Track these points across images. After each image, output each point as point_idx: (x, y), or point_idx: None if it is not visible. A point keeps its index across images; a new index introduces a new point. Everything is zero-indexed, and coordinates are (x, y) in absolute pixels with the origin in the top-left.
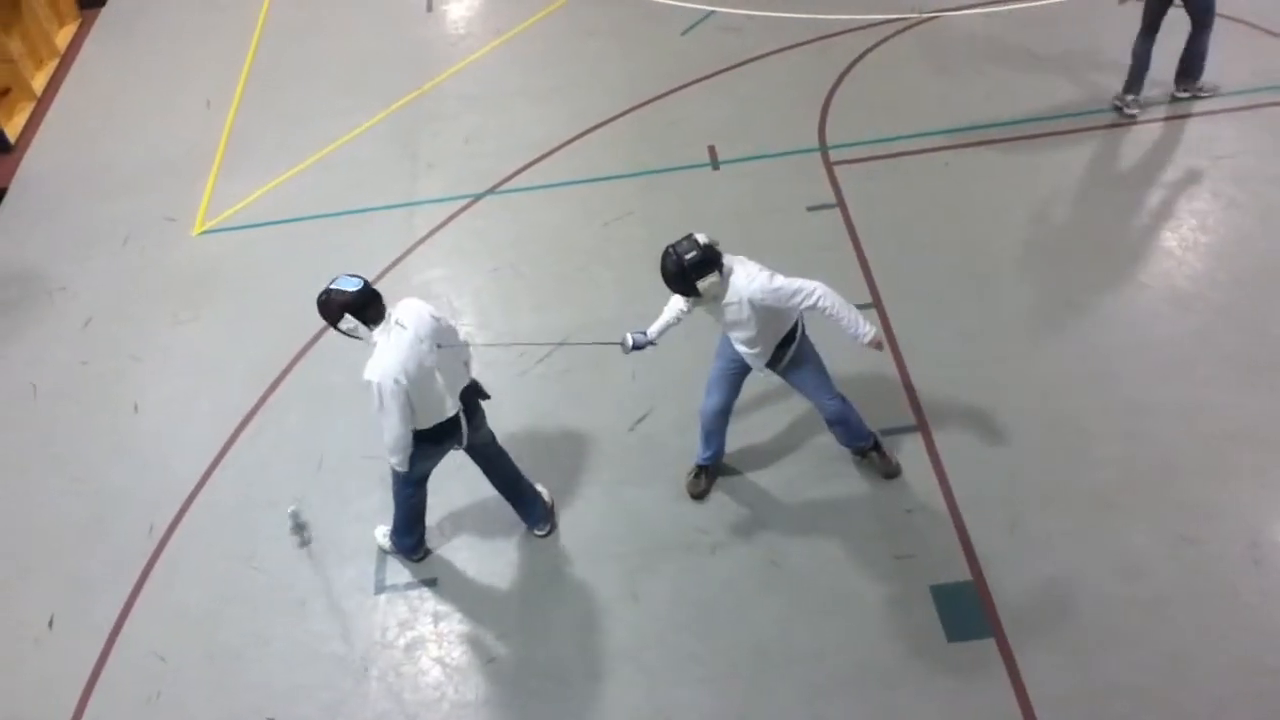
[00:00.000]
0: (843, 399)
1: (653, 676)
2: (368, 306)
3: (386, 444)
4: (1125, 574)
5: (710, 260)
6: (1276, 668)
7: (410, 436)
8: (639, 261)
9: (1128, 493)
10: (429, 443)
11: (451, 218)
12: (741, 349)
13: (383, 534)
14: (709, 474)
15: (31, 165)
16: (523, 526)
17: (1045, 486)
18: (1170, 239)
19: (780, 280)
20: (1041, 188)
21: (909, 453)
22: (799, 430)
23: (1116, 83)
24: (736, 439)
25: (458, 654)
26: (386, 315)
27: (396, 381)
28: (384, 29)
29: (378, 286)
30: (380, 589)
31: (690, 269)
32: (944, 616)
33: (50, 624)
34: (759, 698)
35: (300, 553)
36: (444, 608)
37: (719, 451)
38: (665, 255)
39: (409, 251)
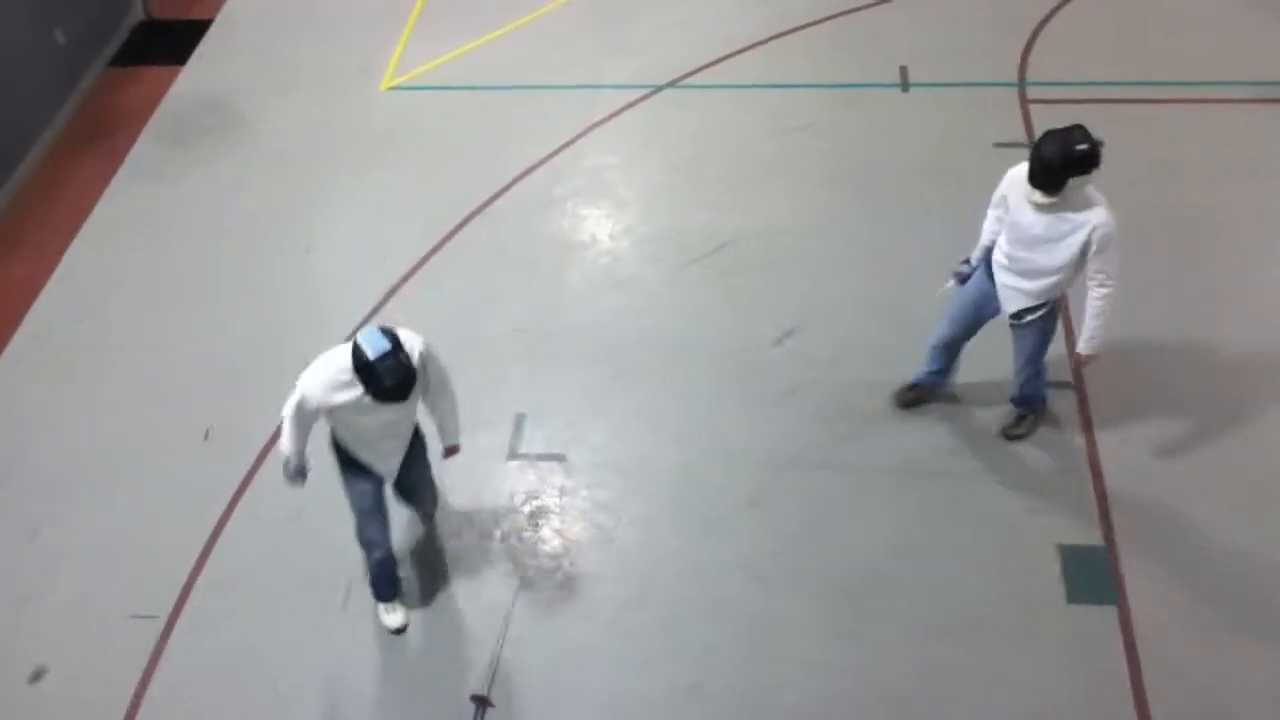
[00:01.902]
0: (1041, 374)
1: (768, 586)
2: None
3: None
4: (1274, 571)
5: (1094, 159)
6: None
7: (292, 454)
8: (814, 174)
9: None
10: (348, 467)
11: (632, 105)
12: (1010, 279)
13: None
14: (919, 391)
15: (238, 1)
16: (655, 420)
17: (1204, 465)
18: None
19: (1117, 246)
20: (1244, 157)
21: (1061, 405)
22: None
23: None
24: (892, 361)
25: (578, 529)
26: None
27: (300, 403)
28: None
29: (549, 165)
30: (512, 456)
31: (1074, 162)
32: (1068, 577)
33: (207, 436)
34: (870, 624)
35: None
36: (570, 483)
37: (937, 377)
38: (1047, 138)
39: (584, 134)
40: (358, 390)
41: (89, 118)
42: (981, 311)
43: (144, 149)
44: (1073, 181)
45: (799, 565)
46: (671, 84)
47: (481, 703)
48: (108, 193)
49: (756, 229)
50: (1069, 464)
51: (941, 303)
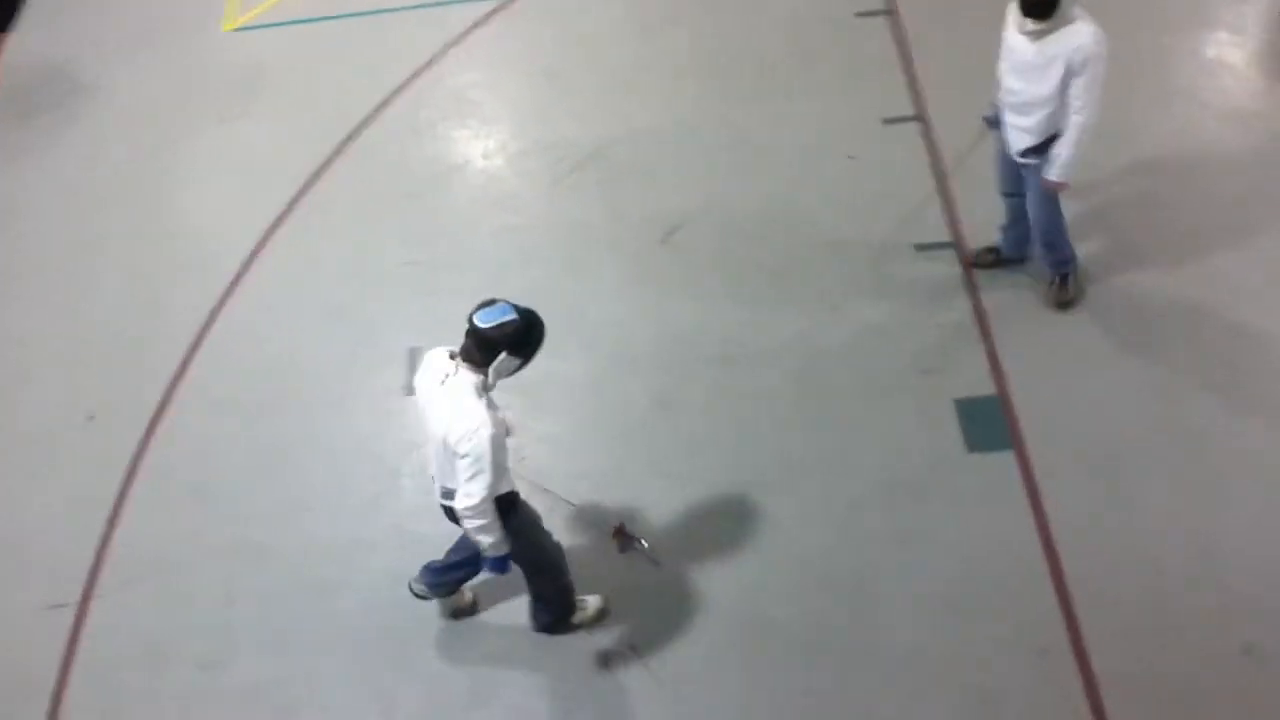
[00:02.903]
0: (1061, 227)
1: (684, 484)
2: (467, 336)
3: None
4: (1159, 399)
5: None
6: None
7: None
8: (679, 70)
9: (1168, 311)
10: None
11: (487, 17)
12: (1012, 117)
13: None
14: (999, 256)
15: None
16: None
17: (1087, 301)
18: (1236, 54)
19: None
20: None
21: (943, 264)
22: (841, 241)
23: None
24: (777, 244)
25: None
26: (456, 365)
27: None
28: None
29: (411, 89)
30: (411, 391)
31: None
32: (965, 429)
33: (91, 417)
34: (786, 506)
35: (336, 352)
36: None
37: (1015, 236)
38: None
39: (443, 52)
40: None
41: None
42: (1006, 157)
43: None
44: (1064, 1)
45: (712, 462)
46: None
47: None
48: None
49: (628, 132)
50: (957, 319)
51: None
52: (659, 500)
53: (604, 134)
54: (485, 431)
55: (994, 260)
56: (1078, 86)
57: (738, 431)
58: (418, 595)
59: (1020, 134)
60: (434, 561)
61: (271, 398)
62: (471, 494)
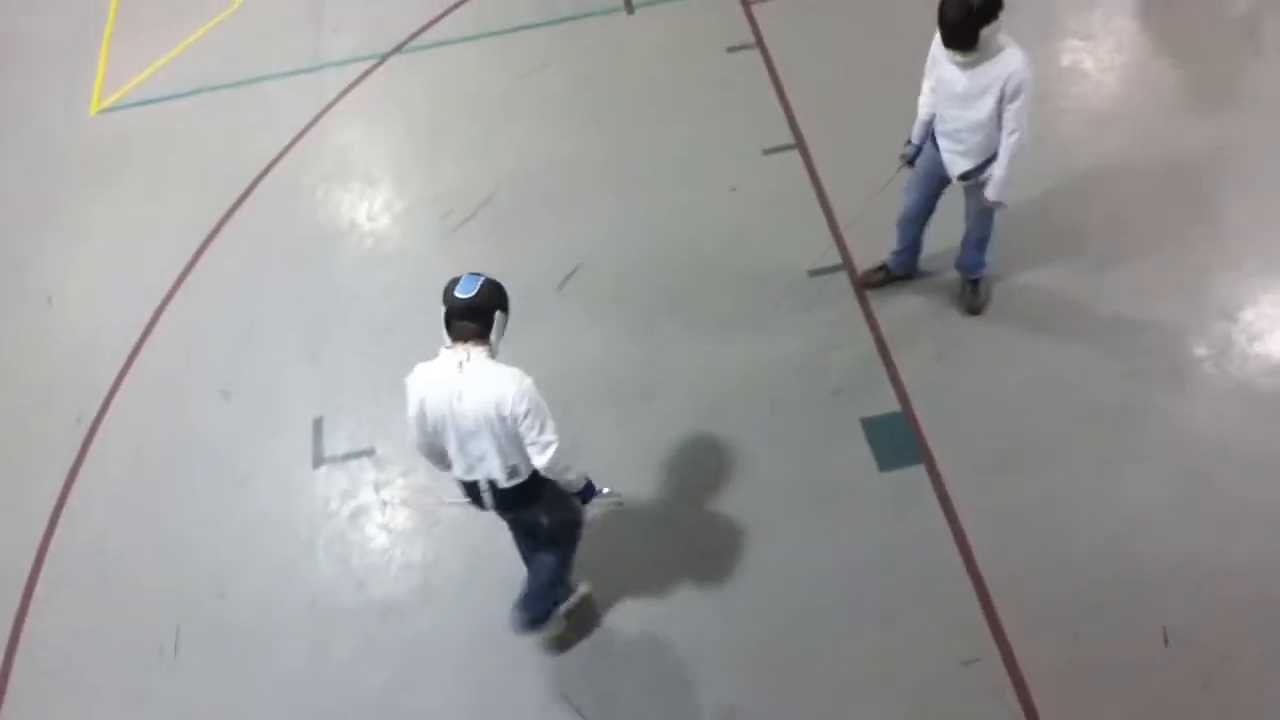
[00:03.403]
0: (989, 238)
1: (601, 523)
2: (453, 319)
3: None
4: (1053, 395)
5: (995, 6)
6: (1196, 471)
7: (420, 448)
8: (556, 111)
9: (1050, 313)
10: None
11: (361, 79)
12: (948, 143)
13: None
14: (886, 273)
15: None
16: None
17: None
18: (1088, 60)
19: (1028, 96)
20: None
21: (836, 290)
22: (732, 273)
23: None
24: (671, 271)
25: (401, 519)
26: (465, 350)
27: (411, 398)
28: None
29: (289, 157)
30: (319, 462)
31: (977, 12)
32: (875, 447)
33: None
34: (704, 529)
35: (236, 429)
36: (384, 476)
37: (906, 257)
38: (946, 1)
39: (321, 115)
40: (452, 363)
41: None
42: (932, 179)
43: None
44: (984, 32)
45: (625, 496)
46: (396, 50)
47: None
48: None
49: (512, 177)
50: (855, 339)
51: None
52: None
53: (489, 183)
54: (528, 380)
55: (883, 279)
56: (1011, 111)
57: (645, 462)
58: (533, 629)
59: (957, 158)
60: (523, 595)
61: (169, 483)
62: (550, 441)
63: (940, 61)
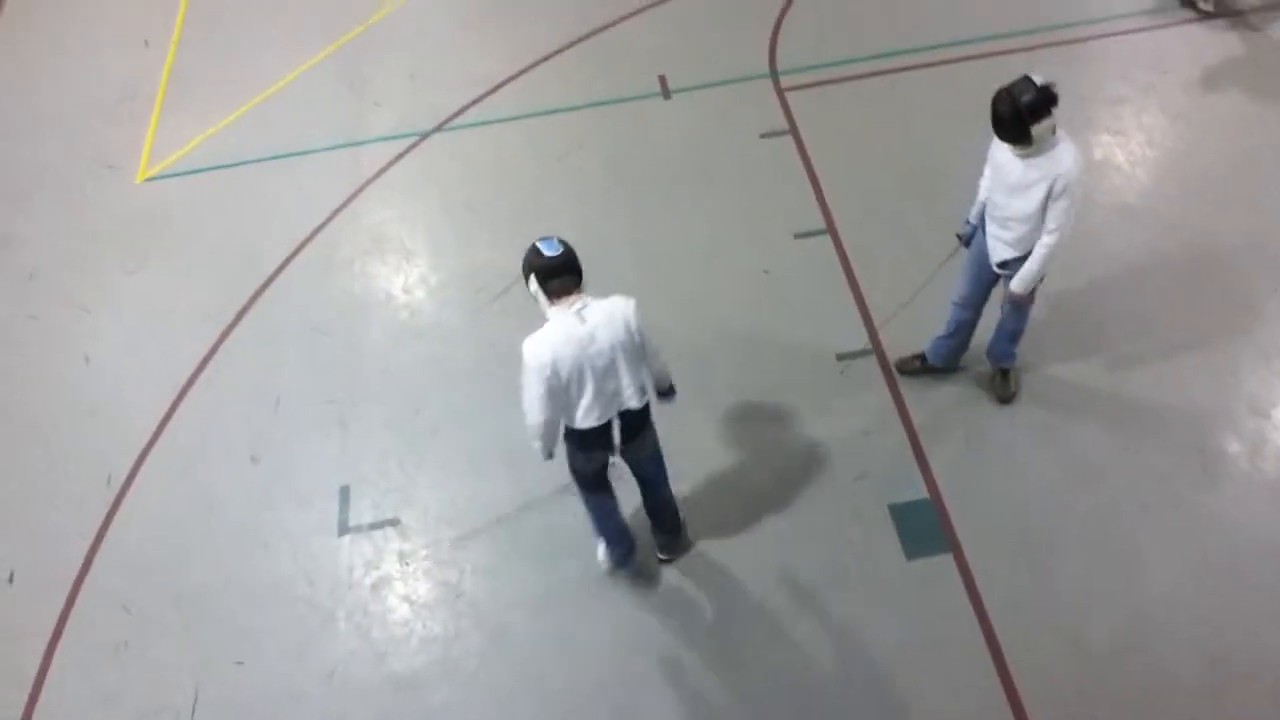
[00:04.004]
0: (1020, 332)
1: (615, 604)
2: (553, 278)
3: (526, 424)
4: (1078, 484)
5: (1048, 100)
6: (1222, 564)
7: (545, 427)
8: (590, 193)
9: (1078, 403)
10: (579, 446)
11: (400, 156)
12: (994, 229)
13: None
14: (925, 363)
15: None
16: (482, 465)
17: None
18: (1120, 155)
19: (1071, 198)
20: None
21: (865, 375)
22: (761, 354)
23: (1070, 7)
24: (694, 357)
25: (424, 591)
26: (574, 299)
27: (541, 370)
28: None
29: (328, 229)
30: (344, 530)
31: (1026, 110)
32: (903, 534)
33: (11, 579)
34: (726, 616)
35: (263, 495)
36: (408, 546)
37: (951, 345)
38: (997, 97)
39: (358, 192)
40: (571, 314)
41: None
42: (985, 266)
43: None
44: (1036, 129)
45: (644, 580)
46: (436, 129)
47: None
48: None
49: None
50: (884, 425)
51: (950, 271)
52: (589, 624)
53: (521, 260)
54: (629, 298)
55: (920, 368)
56: (1056, 208)
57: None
58: (679, 538)
59: (1001, 246)
60: (658, 517)
61: (191, 553)
62: (659, 348)
63: (999, 147)
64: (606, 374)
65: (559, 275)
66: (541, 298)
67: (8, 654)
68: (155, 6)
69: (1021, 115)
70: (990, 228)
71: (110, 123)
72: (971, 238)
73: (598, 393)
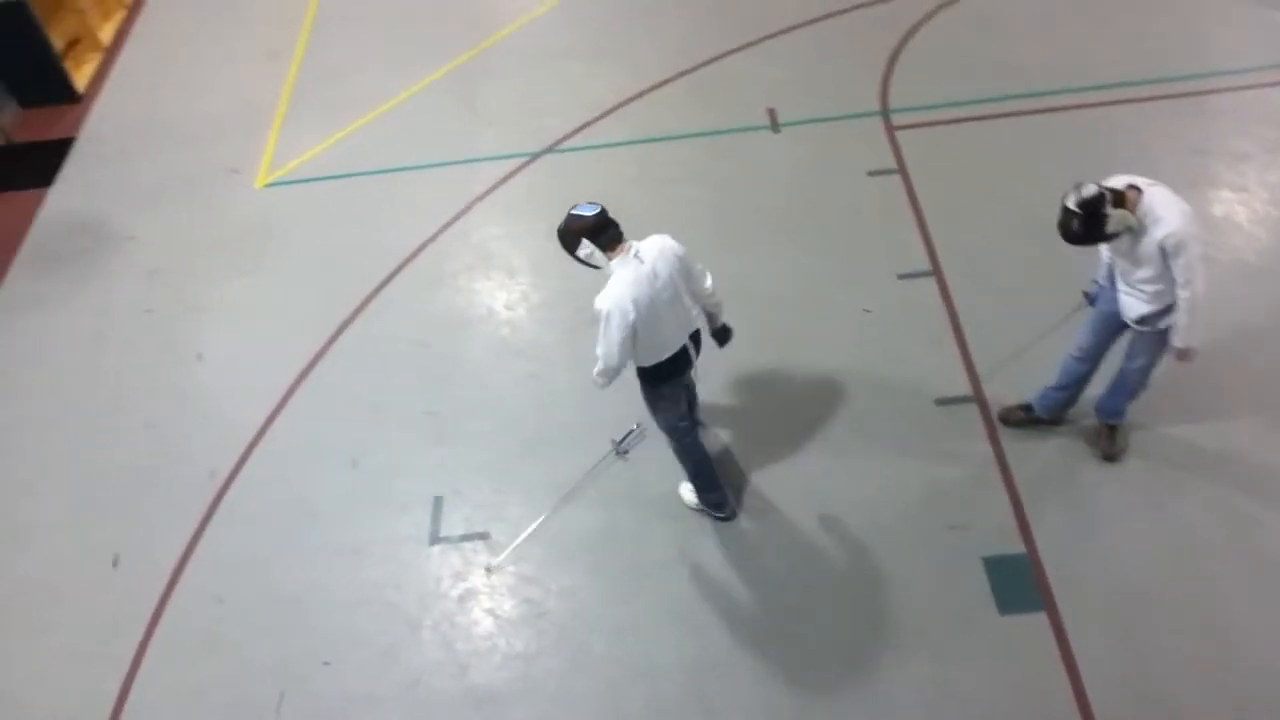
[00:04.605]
0: (1140, 387)
1: (699, 634)
2: (602, 232)
3: (597, 369)
4: (1182, 551)
5: (1101, 200)
6: None
7: (621, 368)
8: (699, 223)
9: (1188, 468)
10: (662, 382)
11: (509, 176)
12: (1124, 287)
13: (688, 490)
14: (1030, 414)
15: (99, 116)
16: (573, 488)
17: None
18: (1241, 212)
19: (1190, 252)
20: (1111, 157)
21: (965, 422)
22: (858, 394)
23: (1193, 58)
24: (788, 393)
25: (509, 606)
26: (626, 246)
27: (625, 313)
28: None
29: (436, 243)
30: (435, 540)
31: (1089, 227)
32: (996, 588)
33: (115, 563)
34: (805, 657)
35: (358, 500)
36: (496, 561)
37: (1060, 398)
38: (1061, 226)
39: (468, 209)
40: (630, 259)
41: None
42: (1111, 321)
43: (17, 279)
44: (1110, 225)
45: (726, 611)
46: (546, 150)
47: None
48: None
49: None
50: (981, 474)
51: (1072, 324)
52: (670, 651)
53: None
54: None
55: (1024, 419)
56: (1178, 266)
57: (754, 581)
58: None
59: (1135, 303)
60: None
61: (285, 551)
62: (704, 269)
63: None
64: (673, 303)
65: (606, 228)
66: (598, 255)
67: (108, 637)
68: (282, 22)
69: (1086, 225)
70: (1121, 285)
71: (235, 130)
72: (1098, 297)
73: (672, 322)
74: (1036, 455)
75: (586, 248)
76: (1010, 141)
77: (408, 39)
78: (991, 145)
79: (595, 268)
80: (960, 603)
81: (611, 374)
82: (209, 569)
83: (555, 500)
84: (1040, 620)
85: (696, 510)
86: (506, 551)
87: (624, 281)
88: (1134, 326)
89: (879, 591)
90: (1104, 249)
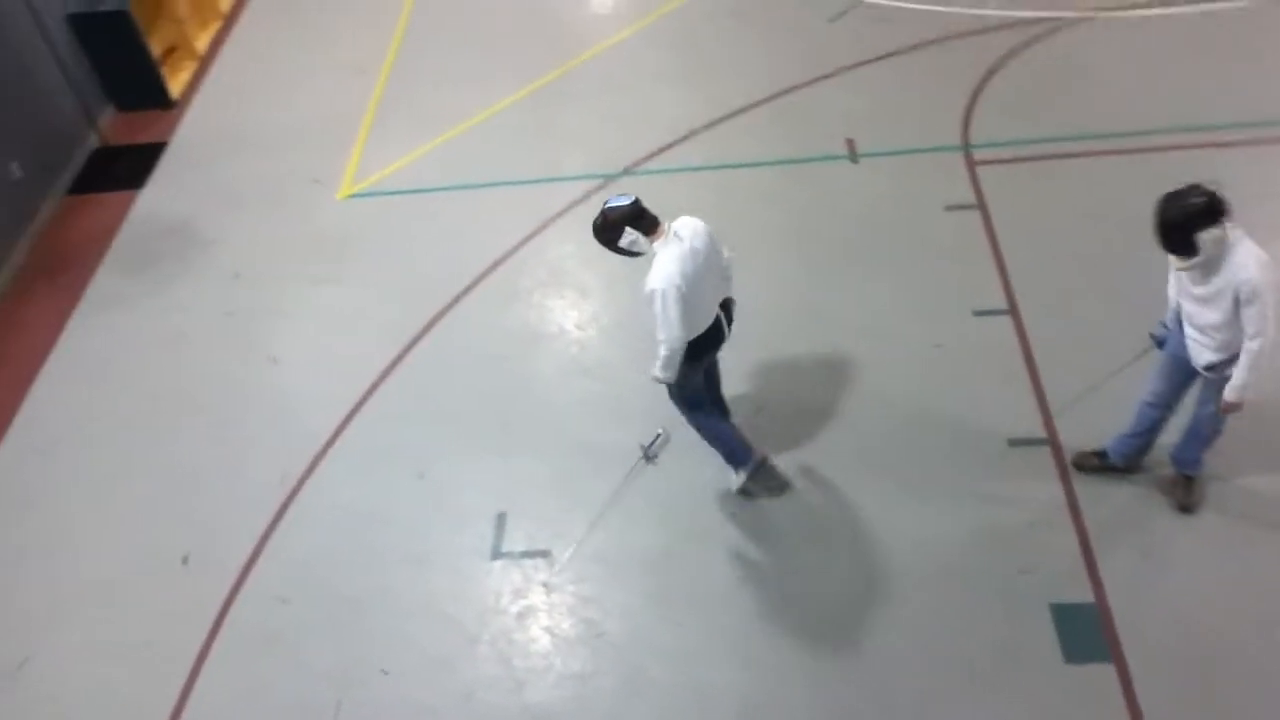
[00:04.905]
0: (1215, 435)
1: (757, 667)
2: (641, 218)
3: (664, 354)
4: (1258, 608)
5: (1216, 210)
6: None
7: (683, 349)
8: (775, 249)
9: (1267, 523)
10: (697, 358)
11: (586, 196)
12: (1192, 332)
13: (736, 477)
14: (1105, 461)
15: (191, 122)
16: (634, 507)
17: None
18: None
19: (1266, 301)
20: None
21: (1037, 465)
22: (928, 431)
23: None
24: (854, 427)
25: (567, 626)
26: (664, 228)
27: (678, 288)
28: (531, 5)
29: (512, 260)
30: (496, 555)
31: (1193, 217)
32: (1063, 636)
33: (185, 561)
34: (865, 697)
35: (424, 511)
36: (556, 579)
37: (1135, 444)
38: (1161, 203)
39: (544, 227)
40: (670, 238)
41: (46, 249)
42: (1183, 366)
43: (104, 277)
44: (1204, 237)
45: (785, 645)
46: (623, 172)
47: None
48: (70, 325)
49: None
50: (1052, 519)
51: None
52: (726, 683)
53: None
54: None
55: (1099, 465)
56: (1249, 315)
57: (813, 613)
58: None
59: (1202, 350)
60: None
61: (349, 558)
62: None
63: (1171, 269)
64: (709, 274)
65: (645, 215)
66: (641, 240)
67: (175, 632)
68: (372, 38)
69: (1188, 223)
70: (1188, 330)
71: (321, 141)
72: (1165, 340)
73: (709, 296)
74: (1109, 501)
75: (630, 235)
76: (1093, 182)
77: (492, 59)
78: (1074, 185)
79: (637, 254)
80: (1025, 649)
81: (675, 358)
82: (276, 571)
83: (613, 518)
84: (1107, 671)
85: (751, 494)
86: (563, 560)
87: (670, 259)
88: (1203, 373)
89: (942, 633)
90: (1171, 289)
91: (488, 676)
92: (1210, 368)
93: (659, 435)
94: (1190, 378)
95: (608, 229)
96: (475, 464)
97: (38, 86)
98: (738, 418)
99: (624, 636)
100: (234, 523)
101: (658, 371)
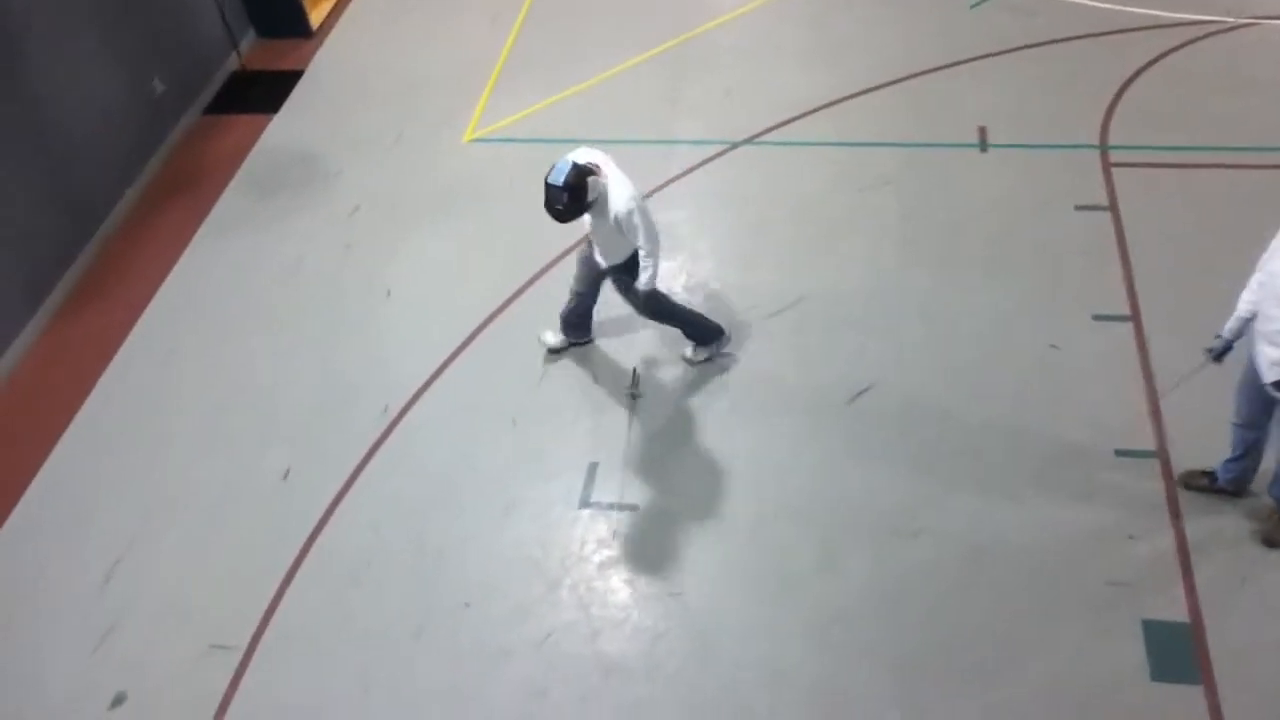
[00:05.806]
0: None
1: (833, 653)
2: (590, 171)
3: (656, 260)
4: None
5: None
6: None
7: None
8: (889, 235)
9: None
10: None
11: (705, 162)
12: (1264, 345)
13: (691, 349)
14: (1213, 482)
15: (327, 54)
16: (728, 476)
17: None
18: None
19: None
20: None
21: (1143, 478)
22: (1033, 433)
23: None
24: (964, 423)
25: (645, 581)
26: (594, 165)
27: (641, 196)
28: None
29: None
30: (584, 504)
31: None
32: (1152, 653)
33: (285, 476)
34: (941, 699)
35: (515, 457)
36: (641, 534)
37: (1239, 468)
38: None
39: (661, 188)
40: (599, 167)
41: (178, 166)
42: (1258, 384)
43: (231, 198)
44: None
45: (867, 634)
46: (746, 141)
47: None
48: (194, 242)
49: (826, 288)
50: (1152, 534)
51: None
52: (798, 663)
53: (802, 287)
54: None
55: (1207, 486)
56: None
57: (893, 607)
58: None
59: (1272, 365)
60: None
61: (440, 497)
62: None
63: (1278, 253)
64: None
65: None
66: (600, 182)
67: (271, 546)
68: None
69: None
70: (1259, 344)
71: (449, 85)
72: (1224, 353)
73: None
74: (1212, 523)
75: (595, 183)
76: (1238, 196)
77: (618, 21)
78: (1216, 197)
79: (593, 201)
80: (1111, 662)
81: (658, 261)
82: (369, 498)
83: (705, 478)
84: (1195, 694)
85: (706, 360)
86: (646, 514)
87: (619, 182)
88: (1270, 391)
89: (1026, 639)
90: (1246, 296)
91: (564, 622)
92: (1278, 385)
93: (635, 370)
94: (1272, 398)
95: (578, 190)
96: (569, 416)
97: (188, 5)
98: (834, 399)
99: (701, 600)
100: (334, 448)
101: (653, 281)
